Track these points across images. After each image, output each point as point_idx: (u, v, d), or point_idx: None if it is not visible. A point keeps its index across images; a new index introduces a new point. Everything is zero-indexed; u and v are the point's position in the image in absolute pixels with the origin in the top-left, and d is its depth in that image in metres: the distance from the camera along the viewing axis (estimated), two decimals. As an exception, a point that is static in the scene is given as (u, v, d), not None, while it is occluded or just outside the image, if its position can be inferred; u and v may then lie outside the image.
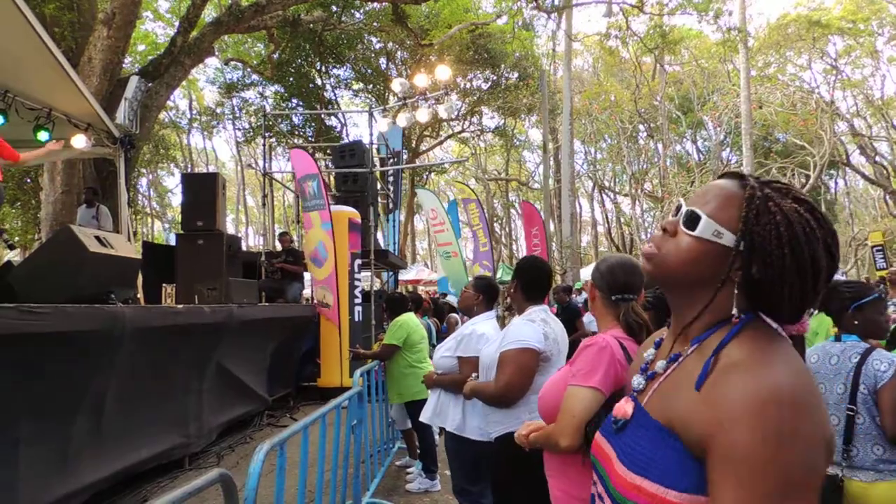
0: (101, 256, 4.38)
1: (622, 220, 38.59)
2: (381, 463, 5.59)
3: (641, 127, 32.89)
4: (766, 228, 1.03)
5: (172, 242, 9.93)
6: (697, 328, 1.12)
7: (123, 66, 12.78)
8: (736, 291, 1.07)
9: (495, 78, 24.94)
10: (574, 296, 11.25)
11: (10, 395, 3.44)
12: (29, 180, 15.94)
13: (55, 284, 4.17)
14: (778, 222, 1.03)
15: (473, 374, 3.07)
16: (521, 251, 35.67)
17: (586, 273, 19.51)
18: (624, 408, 1.19)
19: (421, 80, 11.98)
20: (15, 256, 8.38)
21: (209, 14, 17.80)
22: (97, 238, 4.53)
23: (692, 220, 1.09)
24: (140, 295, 7.81)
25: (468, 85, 25.64)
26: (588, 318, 8.19)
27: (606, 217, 39.85)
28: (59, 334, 3.56)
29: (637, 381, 1.21)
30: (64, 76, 7.43)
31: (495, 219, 39.25)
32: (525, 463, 2.34)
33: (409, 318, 5.52)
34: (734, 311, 1.07)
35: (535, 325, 2.72)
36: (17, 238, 16.24)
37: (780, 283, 1.03)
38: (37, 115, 7.70)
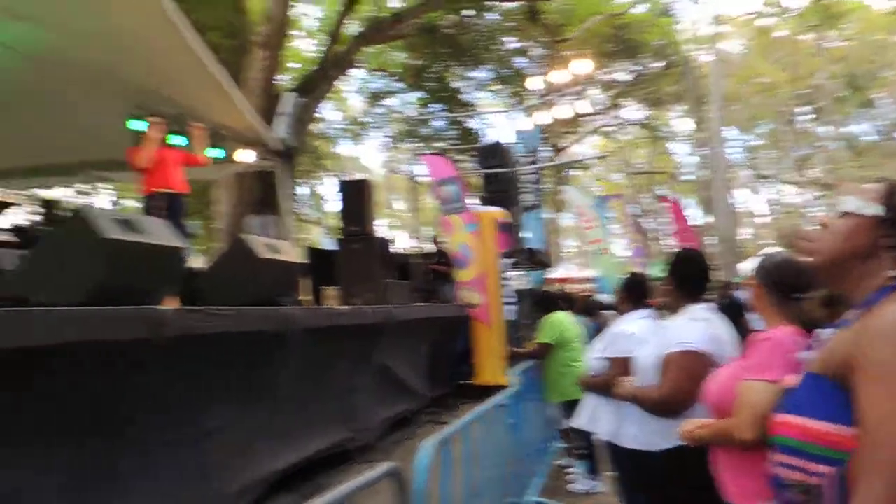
0: (271, 262, 4.66)
1: (786, 209, 35.80)
2: (542, 462, 5.52)
3: (803, 109, 30.35)
4: None
5: (330, 247, 10.46)
6: (858, 298, 1.24)
7: (278, 83, 13.67)
8: (887, 257, 1.21)
9: (637, 68, 24.08)
10: (734, 291, 10.57)
11: (200, 389, 3.74)
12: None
13: (233, 289, 4.49)
14: None
15: (629, 378, 2.87)
16: (672, 247, 34.08)
17: (747, 268, 18.27)
18: (793, 380, 1.38)
19: (559, 76, 11.80)
20: (198, 263, 9.16)
21: (353, 28, 18.59)
22: (266, 245, 4.83)
23: (840, 205, 1.28)
24: (305, 297, 8.27)
25: (609, 78, 24.95)
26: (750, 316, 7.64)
27: (768, 208, 37.17)
28: (239, 334, 3.83)
29: (807, 355, 1.38)
30: (230, 97, 8.06)
31: (643, 214, 37.88)
32: (701, 478, 2.19)
33: (562, 317, 5.43)
34: (890, 272, 1.19)
35: (699, 325, 2.50)
36: (199, 247, 17.90)
37: None
38: (209, 133, 8.40)
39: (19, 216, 7.51)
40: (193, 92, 8.05)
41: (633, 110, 28.88)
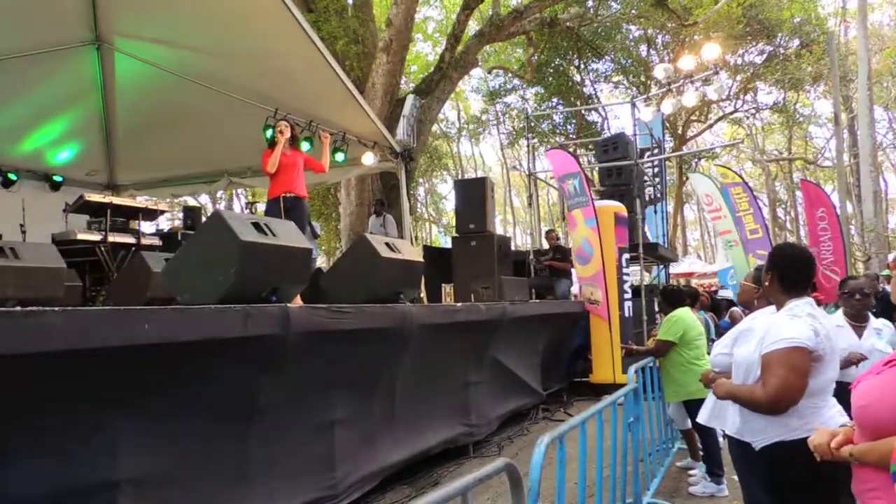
0: (391, 261, 4.87)
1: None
2: (661, 463, 5.40)
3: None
4: None
5: (448, 245, 10.70)
6: None
7: (400, 86, 14.08)
8: None
9: (771, 49, 22.64)
10: (882, 284, 9.76)
11: (326, 382, 4.00)
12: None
13: (355, 287, 4.73)
14: None
15: (738, 378, 2.77)
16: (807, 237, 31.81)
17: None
18: None
19: (686, 62, 11.34)
20: (321, 263, 9.68)
21: (472, 28, 18.79)
22: (387, 244, 5.05)
23: None
24: (423, 294, 8.52)
25: (739, 61, 23.63)
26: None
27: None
28: (361, 331, 4.04)
29: None
30: (354, 102, 8.46)
31: (778, 203, 35.59)
32: (809, 475, 2.11)
33: (685, 314, 5.26)
34: None
35: (802, 321, 2.40)
36: (323, 247, 18.82)
37: None
38: (334, 138, 8.84)
39: (165, 222, 8.20)
40: (322, 100, 8.53)
41: (765, 94, 27.21)
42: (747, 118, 29.46)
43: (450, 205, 35.28)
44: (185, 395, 2.99)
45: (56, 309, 2.26)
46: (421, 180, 30.18)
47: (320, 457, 3.98)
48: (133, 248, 6.73)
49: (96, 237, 6.67)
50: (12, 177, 9.67)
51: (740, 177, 16.53)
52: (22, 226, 7.29)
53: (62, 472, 2.51)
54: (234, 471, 3.34)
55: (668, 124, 19.60)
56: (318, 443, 3.98)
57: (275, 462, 3.58)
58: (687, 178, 25.24)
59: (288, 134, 6.46)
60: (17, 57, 7.49)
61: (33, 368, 2.24)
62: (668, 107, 11.32)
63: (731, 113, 27.69)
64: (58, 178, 10.35)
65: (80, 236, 6.63)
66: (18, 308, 2.22)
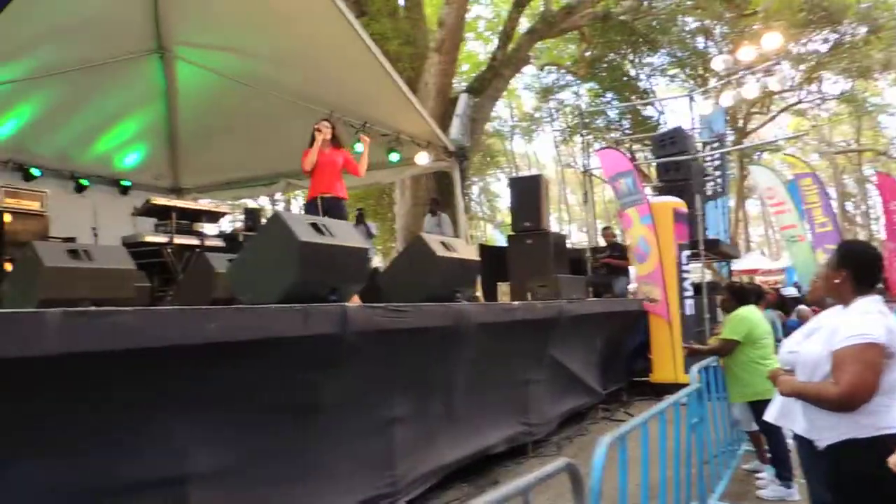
0: (447, 260, 4.87)
1: None
2: (727, 465, 5.25)
3: None
4: None
5: (503, 244, 10.67)
6: None
7: (453, 85, 14.11)
8: None
9: (837, 36, 21.77)
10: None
11: (384, 380, 4.03)
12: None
13: (412, 286, 4.75)
14: None
15: (803, 376, 2.68)
16: (882, 232, 30.50)
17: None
18: None
19: (746, 53, 11.02)
20: (377, 262, 9.79)
21: (523, 25, 18.68)
22: (442, 243, 5.06)
23: None
24: (479, 293, 8.51)
25: (802, 50, 22.80)
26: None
27: None
28: (418, 329, 4.06)
29: None
30: (407, 103, 8.53)
31: (847, 197, 34.20)
32: (876, 474, 2.04)
33: (751, 312, 5.10)
34: None
35: (874, 317, 2.36)
36: (378, 246, 19.02)
37: None
38: (388, 139, 8.93)
39: (227, 224, 8.38)
40: (375, 101, 8.63)
41: (831, 83, 26.19)
42: (812, 109, 28.42)
43: (504, 203, 35.20)
44: (248, 392, 3.06)
45: (128, 309, 2.34)
46: (475, 179, 30.19)
47: (380, 454, 4.01)
48: (197, 250, 6.93)
49: (163, 239, 6.90)
50: (84, 182, 10.12)
51: (811, 168, 15.91)
52: (94, 229, 7.59)
53: (136, 465, 2.60)
54: (297, 466, 3.40)
55: (728, 117, 19.04)
56: (378, 440, 4.02)
57: (336, 458, 3.63)
58: (748, 173, 24.52)
59: (328, 134, 6.40)
60: (88, 67, 7.83)
61: (107, 366, 2.33)
62: (727, 99, 11.03)
63: (795, 104, 26.77)
64: (126, 183, 10.77)
65: (148, 238, 6.86)
66: (93, 308, 2.31)
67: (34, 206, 6.57)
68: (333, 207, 6.32)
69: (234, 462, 3.02)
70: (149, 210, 6.99)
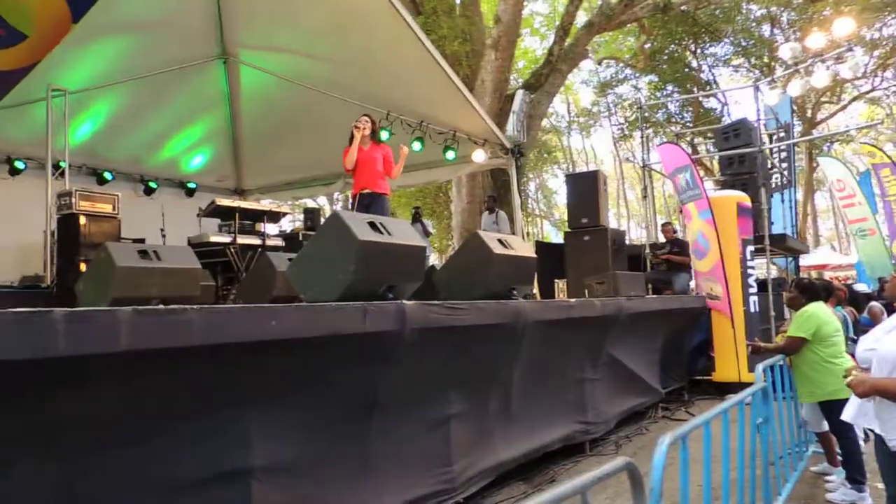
0: (504, 257, 4.87)
1: None
2: (794, 467, 5.09)
3: None
4: None
5: (560, 240, 10.58)
6: None
7: (509, 82, 14.05)
8: None
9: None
10: None
11: (442, 378, 4.06)
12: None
13: (469, 283, 4.77)
14: None
15: (882, 373, 2.57)
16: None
17: None
18: None
19: (815, 40, 10.60)
20: (434, 260, 9.85)
21: (581, 19, 18.44)
22: (499, 241, 5.05)
23: None
24: (536, 290, 8.47)
25: (876, 35, 21.78)
26: None
27: None
28: (475, 327, 4.07)
29: None
30: (463, 101, 8.55)
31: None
32: None
33: (819, 309, 4.91)
34: None
35: None
36: (435, 244, 19.12)
37: None
38: (444, 137, 8.96)
39: (287, 224, 8.54)
40: (432, 99, 8.69)
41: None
42: (887, 97, 27.11)
43: (561, 199, 34.87)
44: (309, 388, 3.14)
45: (195, 307, 2.44)
46: (531, 175, 30.00)
47: (438, 450, 4.05)
48: (259, 249, 7.13)
49: (226, 239, 7.13)
50: (153, 185, 10.54)
51: (890, 158, 15.19)
52: (162, 230, 7.90)
53: (202, 459, 2.70)
54: (356, 461, 3.46)
55: (795, 107, 18.37)
56: (436, 437, 4.05)
57: (395, 454, 3.68)
58: (817, 165, 23.60)
59: (367, 130, 6.41)
60: (157, 74, 8.15)
61: (175, 362, 2.43)
62: (795, 89, 10.64)
63: (868, 92, 25.58)
64: (192, 185, 11.16)
65: (213, 238, 7.11)
66: (162, 306, 2.42)
67: (107, 208, 6.87)
68: (375, 203, 6.36)
69: (295, 457, 3.10)
70: (214, 211, 7.22)
